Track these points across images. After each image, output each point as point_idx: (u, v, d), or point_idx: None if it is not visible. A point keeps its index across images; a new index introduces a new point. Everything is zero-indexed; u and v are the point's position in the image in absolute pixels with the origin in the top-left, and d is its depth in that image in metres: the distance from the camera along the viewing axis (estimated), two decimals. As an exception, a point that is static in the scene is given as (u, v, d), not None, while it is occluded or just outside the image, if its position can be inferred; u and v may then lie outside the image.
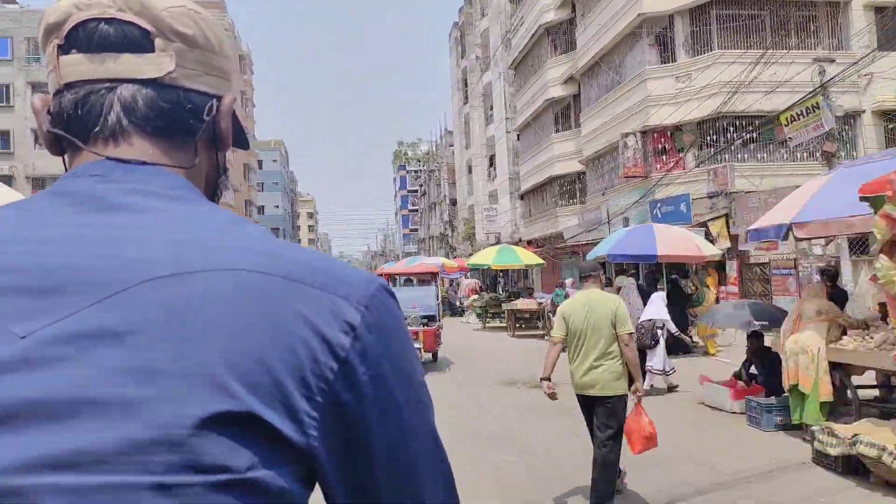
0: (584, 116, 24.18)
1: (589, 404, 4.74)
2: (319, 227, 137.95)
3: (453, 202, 48.51)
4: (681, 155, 18.70)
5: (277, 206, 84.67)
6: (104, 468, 0.48)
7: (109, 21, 0.63)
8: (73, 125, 0.64)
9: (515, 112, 32.94)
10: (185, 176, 0.66)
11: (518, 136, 33.56)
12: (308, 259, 0.58)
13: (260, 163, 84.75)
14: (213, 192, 0.73)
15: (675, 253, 11.77)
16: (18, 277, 0.54)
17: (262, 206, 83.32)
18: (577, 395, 4.79)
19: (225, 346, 0.52)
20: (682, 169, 18.55)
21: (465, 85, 44.36)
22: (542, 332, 17.48)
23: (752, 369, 7.99)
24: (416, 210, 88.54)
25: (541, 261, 21.47)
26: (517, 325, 18.05)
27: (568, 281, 14.60)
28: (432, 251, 58.58)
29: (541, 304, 17.00)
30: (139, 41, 0.63)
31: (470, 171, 45.17)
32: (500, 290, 35.93)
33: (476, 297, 25.10)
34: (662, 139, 19.14)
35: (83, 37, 0.63)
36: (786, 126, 13.78)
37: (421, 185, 47.43)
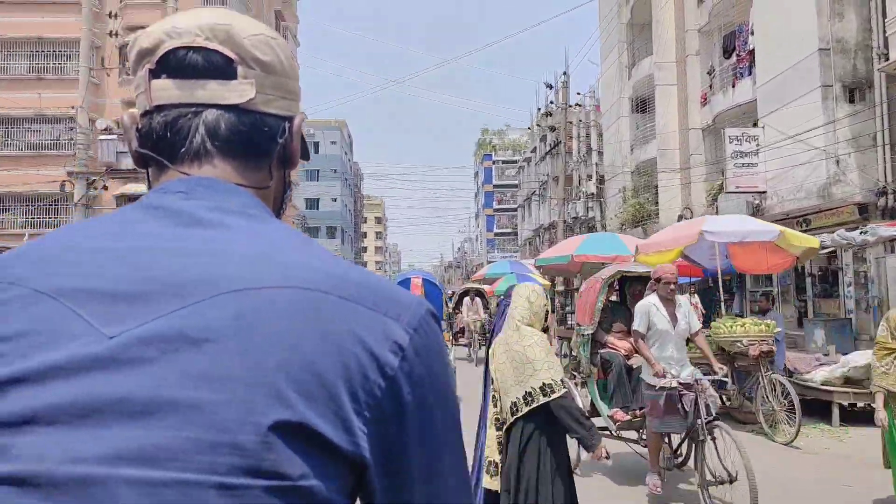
0: None
1: None
2: (388, 234, 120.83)
3: (601, 180, 28.89)
4: None
5: (336, 200, 67.64)
6: (175, 465, 0.51)
7: (197, 49, 0.68)
8: (160, 145, 0.69)
9: None
10: (258, 195, 0.70)
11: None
12: (363, 280, 0.62)
13: (316, 145, 68.36)
14: (279, 207, 0.77)
15: None
16: (111, 283, 0.57)
17: (317, 200, 66.83)
18: None
19: (285, 359, 0.55)
20: None
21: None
22: None
23: None
24: (505, 209, 70.46)
25: None
26: None
27: None
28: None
29: None
30: (223, 68, 0.68)
31: (639, 109, 25.66)
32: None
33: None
34: None
35: (174, 63, 0.68)
36: None
37: (555, 138, 27.75)
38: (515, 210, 66.62)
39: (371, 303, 0.60)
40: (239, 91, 0.68)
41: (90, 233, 0.63)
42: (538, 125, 32.40)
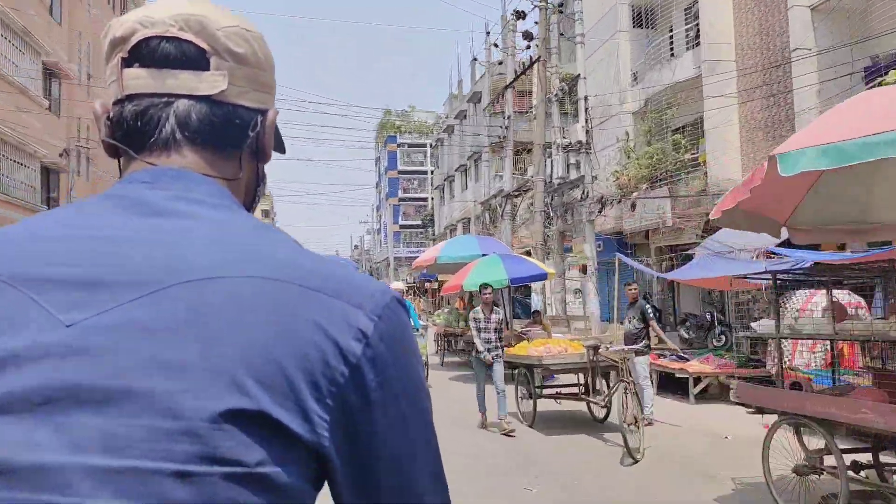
0: None
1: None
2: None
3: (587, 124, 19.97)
4: None
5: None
6: (132, 453, 0.52)
7: (170, 39, 0.68)
8: (131, 134, 0.70)
9: None
10: (227, 185, 0.71)
11: None
12: (325, 269, 0.63)
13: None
14: (252, 200, 0.78)
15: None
16: (69, 270, 0.58)
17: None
18: None
19: (243, 348, 0.56)
20: None
21: None
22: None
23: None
24: (413, 199, 61.09)
25: None
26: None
27: None
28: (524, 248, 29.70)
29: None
30: (196, 59, 0.69)
31: (644, 22, 16.92)
32: None
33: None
34: None
35: (146, 53, 0.69)
36: None
37: (528, 58, 18.21)
38: (425, 200, 57.43)
39: (333, 291, 0.60)
40: (211, 82, 0.69)
41: (51, 222, 0.63)
42: (495, 45, 23.19)
